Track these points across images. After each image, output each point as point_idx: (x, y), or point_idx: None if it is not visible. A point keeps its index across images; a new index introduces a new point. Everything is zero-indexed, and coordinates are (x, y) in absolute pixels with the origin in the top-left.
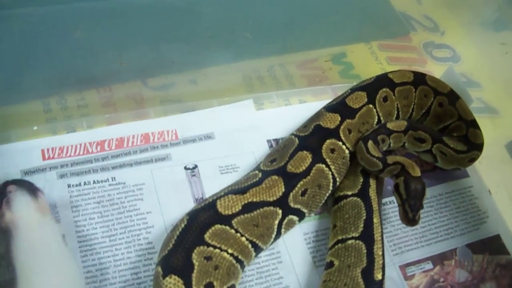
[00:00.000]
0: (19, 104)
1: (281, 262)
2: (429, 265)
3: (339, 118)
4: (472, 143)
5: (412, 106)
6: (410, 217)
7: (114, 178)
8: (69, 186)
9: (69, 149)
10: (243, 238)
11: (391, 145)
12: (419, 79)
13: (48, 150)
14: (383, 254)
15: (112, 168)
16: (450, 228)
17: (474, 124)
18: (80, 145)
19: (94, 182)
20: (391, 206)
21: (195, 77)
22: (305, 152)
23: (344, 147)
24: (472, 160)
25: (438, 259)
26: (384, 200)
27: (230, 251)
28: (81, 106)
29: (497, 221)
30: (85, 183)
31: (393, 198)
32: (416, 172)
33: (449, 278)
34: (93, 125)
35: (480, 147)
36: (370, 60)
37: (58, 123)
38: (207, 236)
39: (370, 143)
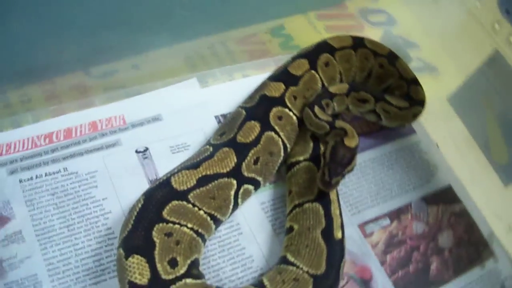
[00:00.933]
0: None
1: (242, 233)
2: (386, 221)
3: (283, 86)
4: (413, 99)
5: (353, 69)
6: (325, 179)
7: (66, 168)
8: (20, 181)
9: (17, 145)
10: (201, 212)
11: (336, 108)
12: (358, 42)
13: None
14: (340, 214)
15: (63, 159)
16: (403, 184)
17: (415, 81)
18: (28, 139)
19: (46, 174)
20: None
21: (137, 62)
22: (253, 122)
23: (291, 113)
24: (415, 115)
25: (395, 215)
26: None
27: (189, 225)
28: (25, 102)
29: (447, 172)
30: (37, 177)
31: None
32: (351, 142)
33: (407, 232)
34: (38, 118)
35: (422, 102)
36: (309, 30)
37: (2, 120)
38: (165, 213)
39: (316, 108)
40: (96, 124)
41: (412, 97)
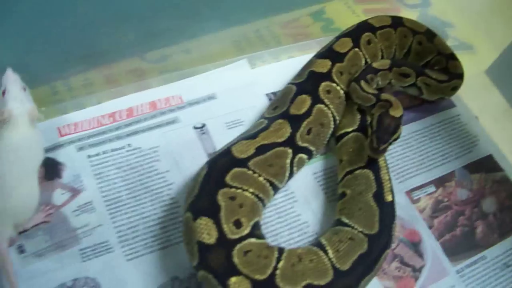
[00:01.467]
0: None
1: (297, 201)
2: (432, 188)
3: (330, 63)
4: (452, 73)
5: (394, 47)
6: (374, 146)
7: (130, 144)
8: (89, 157)
9: (83, 124)
10: (261, 178)
11: (379, 82)
12: (397, 21)
13: (63, 127)
14: (389, 179)
15: (127, 136)
16: (445, 154)
17: (452, 56)
18: (93, 119)
19: (111, 150)
20: None
21: (188, 47)
22: (303, 95)
23: (338, 88)
24: (455, 88)
25: (439, 182)
26: None
27: (251, 190)
28: (87, 85)
29: (487, 142)
30: (103, 152)
31: None
32: (396, 112)
33: (452, 198)
34: (101, 100)
35: (461, 76)
36: (348, 14)
37: (67, 103)
38: (228, 179)
39: (362, 82)
40: (155, 103)
41: (450, 71)
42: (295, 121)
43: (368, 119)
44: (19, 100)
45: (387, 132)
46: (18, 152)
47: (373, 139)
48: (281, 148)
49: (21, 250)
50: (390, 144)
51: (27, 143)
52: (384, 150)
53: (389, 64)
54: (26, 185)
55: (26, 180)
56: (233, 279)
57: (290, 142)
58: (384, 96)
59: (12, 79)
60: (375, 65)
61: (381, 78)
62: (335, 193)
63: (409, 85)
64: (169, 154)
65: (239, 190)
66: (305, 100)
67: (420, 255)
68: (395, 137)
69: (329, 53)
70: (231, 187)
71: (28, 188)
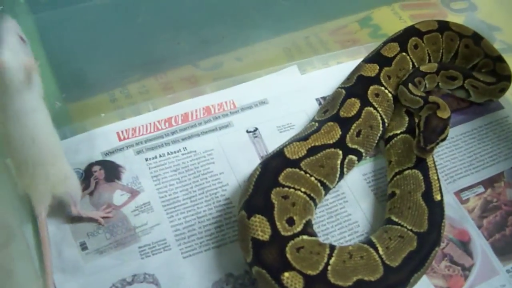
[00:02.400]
0: (88, 98)
1: (347, 201)
2: (481, 189)
3: (378, 67)
4: (500, 75)
5: (441, 50)
6: (421, 145)
7: (185, 148)
8: (146, 160)
9: (141, 129)
10: (312, 178)
11: (427, 85)
12: (443, 26)
13: (122, 132)
14: (438, 179)
15: (182, 140)
16: (494, 155)
17: (500, 59)
18: (150, 124)
19: (168, 153)
20: None
21: (239, 55)
22: (353, 99)
23: (386, 91)
24: (503, 90)
25: (488, 183)
26: None
27: (303, 189)
28: (143, 92)
29: None
30: (160, 156)
31: None
32: (443, 114)
33: (501, 198)
34: (157, 106)
35: (508, 78)
36: (395, 20)
37: (125, 109)
38: (281, 179)
39: (410, 85)
40: (209, 108)
41: (498, 74)
42: (345, 123)
43: (416, 121)
44: (15, 51)
45: (434, 133)
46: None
47: (420, 139)
48: (332, 150)
49: (84, 247)
50: (437, 144)
51: (31, 105)
52: (431, 149)
53: (436, 67)
54: (53, 153)
55: (51, 147)
56: (286, 274)
57: (340, 143)
58: (432, 98)
59: (9, 27)
60: (422, 68)
61: (429, 81)
62: (384, 193)
63: (456, 87)
64: (223, 156)
65: (291, 190)
66: (355, 103)
67: (469, 254)
68: (443, 138)
69: (377, 57)
70: (284, 186)
71: (56, 155)
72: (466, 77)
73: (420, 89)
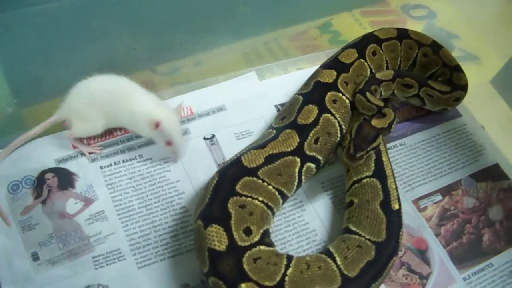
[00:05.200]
0: (42, 103)
1: (305, 209)
2: (438, 197)
3: (335, 73)
4: (455, 84)
5: (399, 58)
6: (351, 152)
7: (141, 155)
8: (101, 167)
9: (96, 136)
10: (270, 187)
11: (382, 93)
12: (403, 34)
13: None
14: (396, 188)
15: (138, 147)
16: (452, 163)
17: (457, 68)
18: (105, 130)
19: (123, 161)
20: (395, 150)
21: (199, 60)
22: (310, 105)
23: (344, 97)
24: (458, 99)
25: (446, 191)
26: (388, 145)
27: (260, 198)
28: None
29: (493, 152)
30: (115, 163)
31: (396, 143)
32: (378, 123)
33: (459, 206)
34: None
35: (464, 87)
36: (355, 27)
37: None
38: (238, 188)
39: (368, 93)
40: None
41: (454, 83)
42: (303, 130)
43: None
44: None
45: (365, 141)
46: None
47: (350, 146)
48: (290, 157)
49: (35, 257)
50: (367, 152)
51: None
52: (361, 157)
53: (392, 74)
54: None
55: None
56: (243, 285)
57: (298, 151)
58: (385, 110)
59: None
60: (378, 75)
61: (384, 88)
62: (342, 202)
63: (412, 95)
64: (180, 164)
65: (249, 199)
66: (312, 110)
67: (427, 262)
68: (373, 146)
69: (334, 63)
70: (241, 195)
71: None
72: (422, 86)
73: (376, 97)
